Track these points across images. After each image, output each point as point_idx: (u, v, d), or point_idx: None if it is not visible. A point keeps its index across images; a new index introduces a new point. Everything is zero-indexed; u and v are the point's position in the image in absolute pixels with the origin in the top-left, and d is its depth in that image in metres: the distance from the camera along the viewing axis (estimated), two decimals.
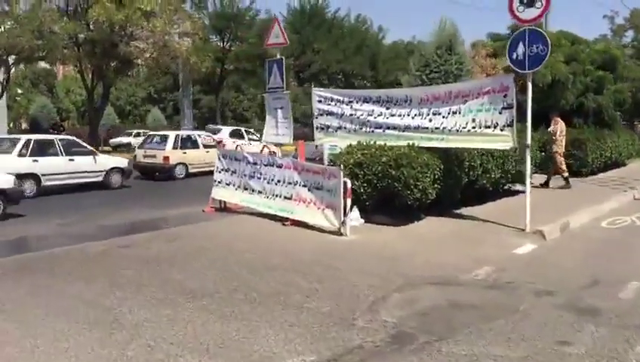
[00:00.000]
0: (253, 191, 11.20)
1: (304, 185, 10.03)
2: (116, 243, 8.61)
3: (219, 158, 12.14)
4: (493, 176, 11.56)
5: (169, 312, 5.53)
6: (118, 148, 34.25)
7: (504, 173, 11.97)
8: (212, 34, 34.69)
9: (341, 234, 9.10)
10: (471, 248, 8.28)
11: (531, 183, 13.65)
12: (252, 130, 28.81)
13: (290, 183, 10.33)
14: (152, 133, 23.37)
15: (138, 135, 41.24)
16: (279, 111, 12.16)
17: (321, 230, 9.47)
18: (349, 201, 9.15)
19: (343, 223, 9.13)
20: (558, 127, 14.72)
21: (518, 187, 13.41)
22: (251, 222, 10.43)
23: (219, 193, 11.99)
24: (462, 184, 10.77)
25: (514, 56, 9.04)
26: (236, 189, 11.61)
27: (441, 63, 12.64)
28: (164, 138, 20.57)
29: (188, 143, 20.56)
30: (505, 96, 9.08)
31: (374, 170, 9.88)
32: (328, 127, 11.51)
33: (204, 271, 6.97)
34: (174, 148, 19.94)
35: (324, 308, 5.66)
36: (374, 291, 6.21)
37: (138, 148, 21.06)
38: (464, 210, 11.04)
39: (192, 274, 6.83)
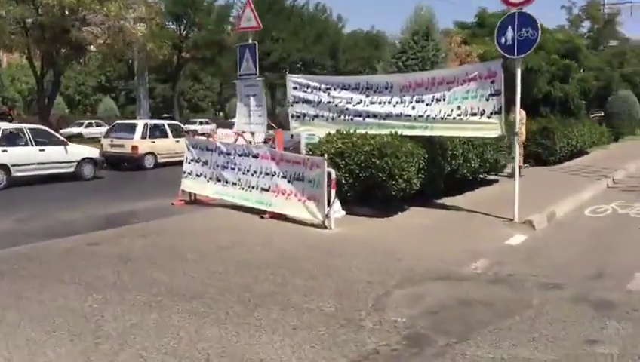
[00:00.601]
0: (227, 182, 10.66)
1: (283, 176, 9.56)
2: (84, 241, 7.96)
3: (188, 148, 11.52)
4: (473, 165, 11.35)
5: (157, 317, 5.01)
6: (68, 139, 32.79)
7: (483, 162, 11.80)
8: (168, 20, 33.55)
9: (325, 227, 8.69)
10: (462, 240, 7.99)
11: (503, 174, 13.75)
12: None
13: (267, 174, 9.85)
14: (119, 121, 22.63)
15: (90, 125, 39.81)
16: (252, 98, 11.62)
17: (302, 223, 9.04)
18: (333, 193, 8.74)
19: (327, 216, 8.72)
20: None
21: (492, 176, 13.36)
22: (227, 216, 9.91)
23: (189, 185, 11.39)
24: (445, 173, 10.50)
25: (502, 40, 8.77)
26: (208, 181, 11.04)
27: (417, 50, 12.29)
28: (132, 127, 19.84)
29: (157, 132, 19.85)
30: (492, 82, 8.80)
31: (356, 159, 9.48)
32: (304, 115, 11.04)
33: (188, 270, 6.45)
34: (143, 137, 19.21)
35: (327, 308, 5.25)
36: (374, 287, 5.82)
37: (104, 137, 20.23)
38: (446, 200, 10.79)
39: (175, 273, 6.30)
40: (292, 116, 11.21)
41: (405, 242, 7.94)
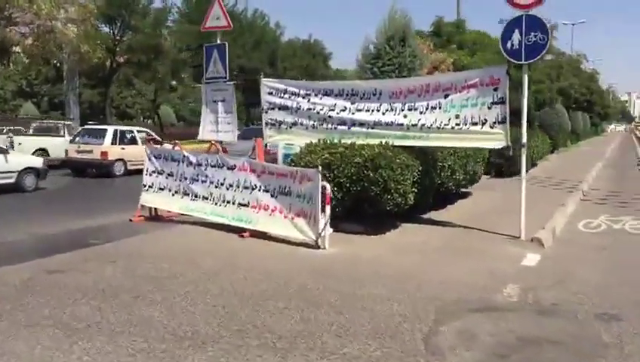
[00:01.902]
0: (196, 196, 9.57)
1: (265, 190, 8.59)
2: (43, 267, 6.69)
3: (149, 158, 10.33)
4: (457, 177, 10.75)
5: None
6: None
7: (466, 174, 11.22)
8: (101, 22, 31.41)
9: (318, 247, 7.80)
10: (473, 261, 7.31)
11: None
12: None
13: (246, 188, 8.86)
14: (86, 126, 21.51)
15: (9, 132, 36.98)
16: (220, 104, 10.63)
17: (289, 242, 8.12)
18: (328, 209, 7.85)
19: (320, 234, 7.83)
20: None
21: (463, 189, 12.86)
22: (200, 234, 8.84)
23: (149, 199, 10.21)
24: (435, 186, 9.82)
25: (508, 45, 8.20)
26: (173, 195, 9.90)
27: (394, 55, 11.59)
28: (101, 132, 18.85)
29: (126, 139, 18.87)
30: (495, 89, 8.24)
31: (346, 172, 8.66)
32: (281, 123, 10.11)
33: (184, 304, 5.39)
34: (113, 143, 18.30)
35: (374, 352, 4.37)
36: (412, 323, 5.00)
37: (70, 142, 19.06)
38: (432, 215, 10.15)
39: (171, 310, 5.23)
40: (266, 124, 10.26)
41: (415, 264, 7.16)
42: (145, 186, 10.26)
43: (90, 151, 18.14)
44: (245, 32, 39.99)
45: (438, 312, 5.31)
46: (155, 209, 10.25)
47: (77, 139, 18.98)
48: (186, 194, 9.72)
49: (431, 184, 9.59)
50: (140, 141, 18.52)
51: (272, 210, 8.48)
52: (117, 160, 18.21)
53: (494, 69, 8.48)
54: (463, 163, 10.92)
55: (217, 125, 10.64)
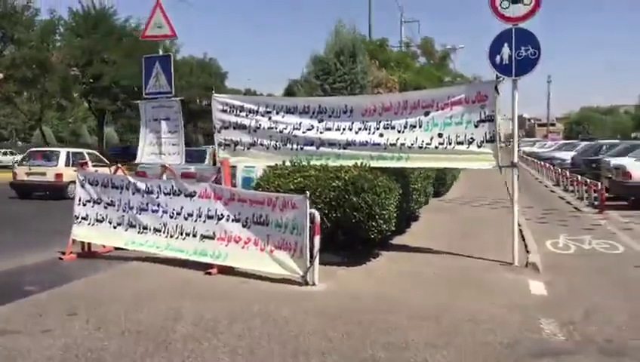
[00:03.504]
0: (145, 229, 8.30)
1: (235, 220, 7.54)
2: None
3: (82, 186, 8.91)
4: (421, 199, 10.25)
5: None
6: None
7: (425, 196, 10.75)
8: None
9: (307, 283, 6.88)
10: (483, 293, 6.75)
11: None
12: None
13: (210, 217, 7.76)
14: (34, 149, 21.12)
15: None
16: (163, 123, 9.41)
17: (266, 278, 7.15)
18: (317, 240, 6.95)
19: (308, 269, 6.91)
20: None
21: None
22: (156, 274, 7.62)
23: (84, 234, 8.79)
24: (410, 209, 9.22)
25: (497, 59, 7.78)
26: (115, 227, 8.56)
27: (345, 72, 10.98)
28: (54, 154, 18.67)
29: (77, 160, 17.25)
30: (482, 106, 7.77)
31: (324, 197, 7.84)
32: (237, 143, 9.11)
33: None
34: (67, 165, 17.87)
35: None
36: None
37: (18, 165, 18.67)
38: (400, 240, 9.54)
39: None
40: (219, 145, 9.22)
41: (425, 299, 6.45)
42: (77, 218, 8.81)
43: (44, 174, 17.79)
44: (141, 49, 38.01)
45: (499, 360, 4.60)
46: (89, 244, 8.84)
47: (26, 161, 18.53)
48: (132, 226, 8.42)
49: (407, 207, 8.98)
50: (89, 163, 16.95)
51: (245, 242, 7.44)
52: (70, 182, 16.93)
53: (481, 85, 8.08)
54: (425, 184, 10.45)
55: (160, 146, 9.41)
